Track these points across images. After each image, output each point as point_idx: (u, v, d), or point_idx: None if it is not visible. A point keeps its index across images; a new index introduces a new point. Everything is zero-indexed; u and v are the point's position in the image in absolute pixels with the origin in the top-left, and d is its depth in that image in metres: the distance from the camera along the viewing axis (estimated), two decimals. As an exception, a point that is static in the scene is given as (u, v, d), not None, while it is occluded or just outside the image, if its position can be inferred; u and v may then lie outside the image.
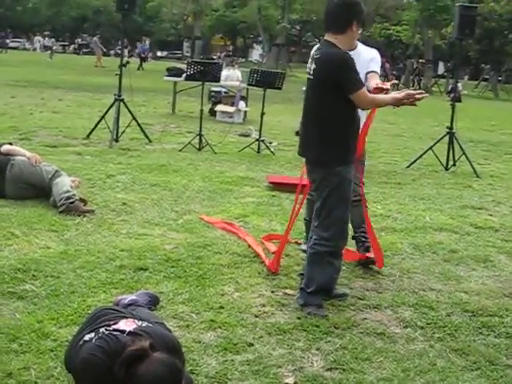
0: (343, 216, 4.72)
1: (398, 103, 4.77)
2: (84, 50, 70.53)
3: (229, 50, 77.07)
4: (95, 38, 44.78)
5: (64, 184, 6.78)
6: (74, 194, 6.66)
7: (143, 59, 43.10)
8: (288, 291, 4.96)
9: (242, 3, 76.40)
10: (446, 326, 4.53)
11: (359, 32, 4.76)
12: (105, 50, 44.19)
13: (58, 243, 5.63)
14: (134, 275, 4.99)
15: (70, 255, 5.33)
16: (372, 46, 5.78)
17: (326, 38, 4.70)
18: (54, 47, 60.76)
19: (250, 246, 5.92)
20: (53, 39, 55.60)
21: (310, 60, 4.73)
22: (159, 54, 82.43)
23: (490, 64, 52.98)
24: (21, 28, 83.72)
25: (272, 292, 4.92)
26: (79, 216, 6.44)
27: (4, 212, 6.41)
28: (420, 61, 51.82)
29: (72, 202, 6.56)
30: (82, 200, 6.77)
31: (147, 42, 49.17)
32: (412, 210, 7.98)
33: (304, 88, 5.04)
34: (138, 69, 40.27)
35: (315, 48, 4.83)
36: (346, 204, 4.72)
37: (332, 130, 4.61)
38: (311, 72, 4.66)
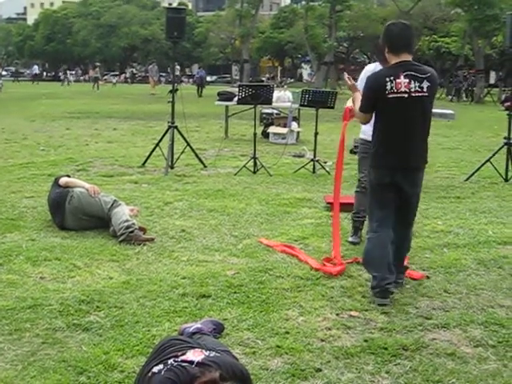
0: None
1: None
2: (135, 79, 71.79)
3: (271, 74, 77.52)
4: (151, 66, 44.89)
5: (123, 213, 6.83)
6: (133, 223, 6.69)
7: (201, 85, 43.21)
8: (353, 313, 4.88)
9: (289, 24, 76.93)
10: (518, 344, 4.40)
11: None
12: (156, 78, 44.22)
13: (120, 273, 5.66)
14: (197, 303, 4.98)
15: (133, 285, 5.35)
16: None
17: (404, 58, 5.15)
18: (109, 78, 61.63)
19: (312, 268, 5.87)
20: (97, 69, 56.09)
21: (407, 80, 5.04)
22: (209, 78, 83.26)
23: (543, 71, 52.08)
24: (72, 60, 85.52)
25: (337, 315, 4.85)
26: (139, 245, 6.48)
27: (65, 244, 6.49)
28: (470, 71, 51.24)
29: (132, 231, 6.60)
30: (141, 229, 6.81)
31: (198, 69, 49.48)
32: (474, 224, 7.82)
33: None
34: (200, 95, 40.62)
35: (399, 68, 5.11)
36: None
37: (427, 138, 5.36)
38: (425, 90, 5.08)
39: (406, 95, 5.05)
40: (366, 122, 5.57)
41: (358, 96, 5.51)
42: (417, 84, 5.06)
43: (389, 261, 5.24)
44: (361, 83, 6.40)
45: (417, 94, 5.06)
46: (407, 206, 5.35)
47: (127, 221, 6.70)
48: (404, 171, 5.22)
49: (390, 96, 5.06)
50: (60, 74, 70.11)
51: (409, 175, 5.25)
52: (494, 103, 42.89)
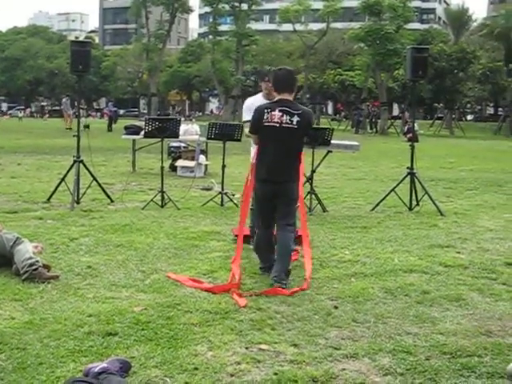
0: None
1: None
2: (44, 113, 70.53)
3: (174, 106, 77.89)
4: (64, 100, 43.79)
5: (26, 251, 6.62)
6: (36, 261, 6.49)
7: (112, 120, 42.56)
8: (262, 346, 4.83)
9: (196, 58, 77.36)
10: (426, 371, 4.45)
11: None
12: (70, 112, 42.82)
13: (23, 313, 5.46)
14: (103, 341, 4.84)
15: (36, 325, 5.16)
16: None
17: (283, 97, 6.65)
18: (14, 112, 59.90)
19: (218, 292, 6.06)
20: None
21: (280, 114, 6.53)
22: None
23: (443, 103, 53.96)
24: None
25: (246, 348, 4.80)
26: (43, 283, 6.27)
27: (-35, 284, 6.23)
28: (374, 104, 52.64)
29: (35, 269, 6.39)
30: (45, 266, 6.60)
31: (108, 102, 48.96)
32: (380, 253, 7.94)
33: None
34: (109, 130, 39.94)
35: (277, 104, 6.64)
36: None
37: (299, 160, 6.82)
38: (294, 123, 6.52)
39: (278, 125, 6.54)
40: (255, 142, 6.99)
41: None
42: (288, 117, 6.53)
43: (273, 248, 6.83)
44: (244, 113, 8.27)
45: (286, 125, 6.53)
46: (282, 212, 6.75)
47: (30, 258, 6.49)
48: (274, 183, 6.67)
49: (266, 124, 6.59)
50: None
51: (279, 186, 6.68)
52: (397, 134, 44.19)
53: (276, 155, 6.63)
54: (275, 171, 6.65)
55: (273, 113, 6.56)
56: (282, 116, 6.53)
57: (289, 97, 6.67)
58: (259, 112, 6.72)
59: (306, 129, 6.78)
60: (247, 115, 7.89)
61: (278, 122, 6.54)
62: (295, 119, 6.55)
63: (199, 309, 5.62)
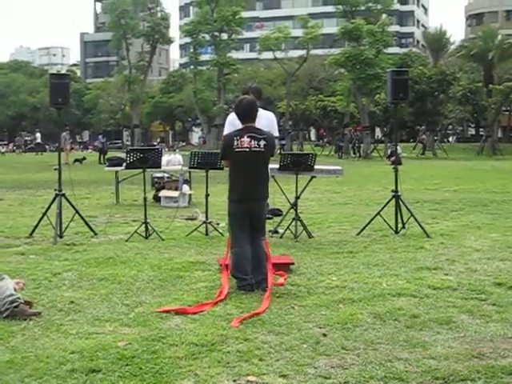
0: None
1: None
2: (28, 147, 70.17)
3: (162, 137, 78.15)
4: (64, 133, 43.22)
5: (7, 288, 6.47)
6: (18, 298, 6.35)
7: (102, 152, 41.85)
8: (250, 378, 4.71)
9: (178, 88, 77.58)
10: (418, 398, 4.35)
11: None
12: (68, 147, 42.07)
13: (4, 352, 5.31)
14: (86, 379, 4.70)
15: (17, 363, 5.02)
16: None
17: (249, 124, 7.46)
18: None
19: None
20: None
21: (249, 139, 7.32)
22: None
23: (425, 125, 54.24)
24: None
25: (234, 381, 4.67)
26: (25, 320, 6.13)
27: None
28: (356, 128, 52.87)
29: (16, 306, 6.25)
30: (27, 303, 6.46)
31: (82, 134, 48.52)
32: (368, 277, 7.85)
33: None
34: (100, 163, 39.06)
35: (244, 131, 7.41)
36: None
37: (268, 178, 7.69)
38: (261, 146, 7.35)
39: (248, 149, 7.33)
40: (227, 166, 7.79)
41: None
42: (256, 142, 7.34)
43: (250, 266, 7.30)
44: (225, 127, 9.08)
45: (255, 149, 7.35)
46: (256, 227, 7.48)
47: (12, 295, 6.35)
48: (248, 202, 7.41)
49: (237, 150, 7.35)
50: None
51: (253, 204, 7.45)
52: (380, 158, 44.31)
53: (249, 177, 7.42)
54: (249, 191, 7.44)
55: (242, 139, 7.36)
56: (251, 141, 7.35)
57: (253, 124, 7.52)
58: (229, 139, 7.50)
59: (271, 150, 7.61)
60: (227, 130, 8.67)
61: (247, 147, 7.35)
62: (262, 143, 7.39)
63: (185, 341, 5.49)
